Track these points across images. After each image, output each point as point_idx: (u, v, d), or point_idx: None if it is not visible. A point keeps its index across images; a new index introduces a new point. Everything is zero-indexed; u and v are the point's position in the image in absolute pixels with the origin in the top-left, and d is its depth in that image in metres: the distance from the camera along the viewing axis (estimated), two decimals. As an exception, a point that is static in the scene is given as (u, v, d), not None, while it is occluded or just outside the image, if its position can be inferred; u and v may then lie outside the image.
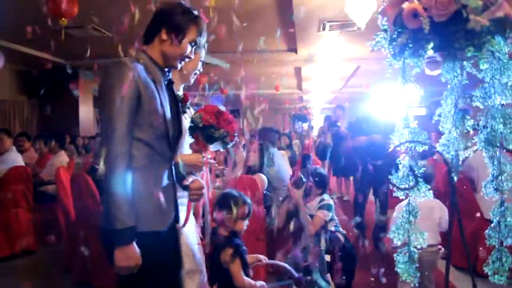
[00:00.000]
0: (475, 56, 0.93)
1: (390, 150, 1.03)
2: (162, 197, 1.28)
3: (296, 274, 2.00)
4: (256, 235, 2.70)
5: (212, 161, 1.68)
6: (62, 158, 4.22)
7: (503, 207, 0.95)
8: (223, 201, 1.83)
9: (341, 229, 2.88)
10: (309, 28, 6.27)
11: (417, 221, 2.48)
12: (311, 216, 2.78)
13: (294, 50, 7.77)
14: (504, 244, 0.94)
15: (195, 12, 1.44)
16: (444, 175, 3.47)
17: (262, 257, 2.08)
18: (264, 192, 2.75)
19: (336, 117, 5.96)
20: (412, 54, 0.90)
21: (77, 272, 3.06)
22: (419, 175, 0.95)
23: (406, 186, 0.95)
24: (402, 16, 0.89)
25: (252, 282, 1.75)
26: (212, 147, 1.63)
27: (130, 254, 1.20)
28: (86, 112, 8.94)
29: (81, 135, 8.29)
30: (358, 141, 3.93)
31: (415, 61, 0.91)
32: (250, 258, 1.95)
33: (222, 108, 2.32)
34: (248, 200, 1.88)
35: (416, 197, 1.00)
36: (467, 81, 0.96)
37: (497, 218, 0.95)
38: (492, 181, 0.96)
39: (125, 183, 1.19)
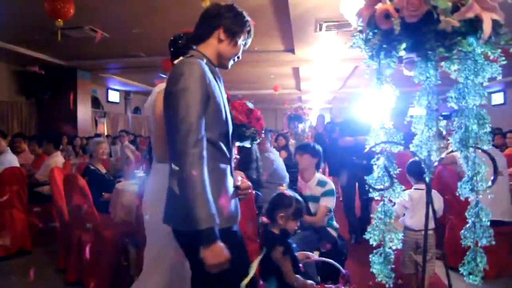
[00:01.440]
0: (448, 57, 0.93)
1: (365, 150, 1.04)
2: (232, 195, 1.33)
3: (344, 271, 2.05)
4: (248, 234, 2.70)
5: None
6: (57, 159, 4.22)
7: (477, 208, 0.95)
8: (278, 201, 1.92)
9: (335, 223, 2.89)
10: (305, 29, 6.28)
11: (417, 209, 2.63)
12: (313, 198, 2.81)
13: (291, 50, 7.79)
14: (479, 244, 0.94)
15: (246, 15, 1.48)
16: (437, 175, 3.47)
17: (310, 254, 2.14)
18: (255, 192, 2.75)
19: (332, 118, 5.97)
20: (385, 55, 0.90)
21: (70, 273, 3.07)
22: (394, 175, 0.95)
23: (382, 187, 0.96)
24: (375, 17, 0.89)
25: (302, 279, 1.80)
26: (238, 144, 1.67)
27: (219, 251, 1.18)
28: (84, 112, 8.96)
29: (79, 135, 8.31)
30: (344, 142, 4.02)
31: (389, 62, 0.91)
32: (299, 255, 2.01)
33: (250, 105, 2.33)
34: (301, 200, 1.94)
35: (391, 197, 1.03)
36: (439, 81, 0.97)
37: (472, 219, 0.95)
38: (468, 181, 0.96)
39: (205, 183, 1.18)
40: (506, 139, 4.97)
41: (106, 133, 10.58)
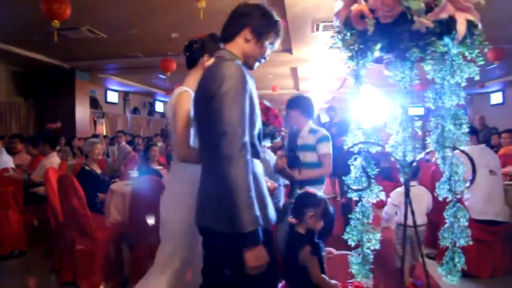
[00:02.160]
0: (423, 58, 0.93)
1: (344, 151, 1.04)
2: (268, 196, 1.32)
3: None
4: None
5: None
6: (53, 159, 4.22)
7: (455, 208, 0.95)
8: (307, 200, 1.92)
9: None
10: (303, 29, 6.28)
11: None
12: (307, 146, 2.74)
13: (289, 50, 7.79)
14: (457, 244, 0.94)
15: (275, 16, 1.45)
16: (431, 175, 3.47)
17: (333, 250, 2.16)
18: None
19: (330, 118, 5.97)
20: (361, 56, 0.90)
21: (65, 273, 3.07)
22: (372, 176, 0.95)
23: (359, 187, 0.96)
24: (351, 17, 0.90)
25: (327, 279, 1.81)
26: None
27: (261, 253, 1.18)
28: (82, 113, 8.97)
29: (77, 136, 8.31)
30: (339, 142, 3.99)
31: (364, 62, 0.91)
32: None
33: (267, 103, 2.35)
34: (326, 200, 1.97)
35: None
36: (418, 81, 0.97)
37: (451, 219, 0.95)
38: (445, 182, 0.97)
39: (251, 186, 1.17)
40: (501, 139, 4.96)
41: (104, 134, 10.59)
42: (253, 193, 1.18)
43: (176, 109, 1.72)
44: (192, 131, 1.67)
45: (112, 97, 12.04)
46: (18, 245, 3.75)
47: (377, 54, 0.89)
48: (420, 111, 18.14)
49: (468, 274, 3.09)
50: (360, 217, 0.93)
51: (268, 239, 1.33)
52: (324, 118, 7.79)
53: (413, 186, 2.66)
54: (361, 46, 0.89)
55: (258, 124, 1.35)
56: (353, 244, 1.03)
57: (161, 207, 1.86)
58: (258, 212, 1.17)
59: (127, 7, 5.30)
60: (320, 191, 2.68)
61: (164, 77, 9.05)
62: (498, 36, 6.66)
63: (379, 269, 2.61)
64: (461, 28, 0.86)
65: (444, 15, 0.85)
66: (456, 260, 0.94)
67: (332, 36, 1.00)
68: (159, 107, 15.26)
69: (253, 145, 1.28)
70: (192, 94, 1.74)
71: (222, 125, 1.18)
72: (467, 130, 0.95)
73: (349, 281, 1.98)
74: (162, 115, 15.71)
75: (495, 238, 3.09)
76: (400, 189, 2.73)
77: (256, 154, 1.31)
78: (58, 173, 3.57)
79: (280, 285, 1.87)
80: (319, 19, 5.81)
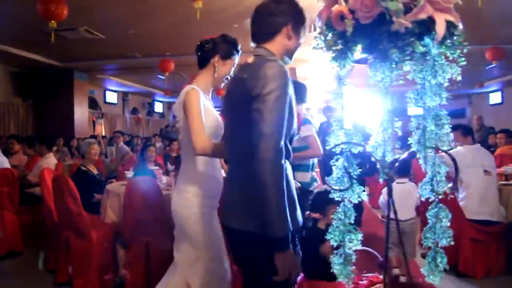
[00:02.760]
0: (409, 58, 0.94)
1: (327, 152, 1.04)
2: (296, 199, 1.31)
3: (380, 258, 2.09)
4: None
5: None
6: (50, 160, 4.23)
7: (437, 208, 0.95)
8: (327, 197, 1.92)
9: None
10: (300, 29, 6.29)
11: (400, 201, 2.77)
12: None
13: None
14: (440, 245, 0.94)
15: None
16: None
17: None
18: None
19: (328, 118, 5.98)
20: (341, 56, 0.91)
21: (60, 273, 3.08)
22: (354, 176, 0.95)
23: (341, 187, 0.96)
24: (331, 18, 0.90)
25: None
26: None
27: (291, 257, 1.19)
28: (81, 113, 8.97)
29: (76, 136, 8.32)
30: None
31: (344, 63, 0.92)
32: None
33: None
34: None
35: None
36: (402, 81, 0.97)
37: (433, 219, 0.95)
38: (428, 182, 0.97)
39: (284, 191, 1.16)
40: (496, 139, 4.96)
41: (103, 134, 10.59)
42: (285, 199, 1.17)
43: (187, 106, 1.72)
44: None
45: (111, 97, 12.05)
46: (14, 245, 3.75)
47: (357, 54, 0.90)
48: (420, 111, 18.10)
49: (464, 274, 3.10)
50: (342, 217, 0.94)
51: (295, 241, 1.33)
52: (322, 118, 7.79)
53: (403, 182, 2.92)
54: (342, 47, 0.90)
55: (294, 126, 1.33)
56: (335, 244, 1.04)
57: (174, 209, 1.84)
58: (289, 217, 1.17)
59: (124, 7, 5.30)
60: (306, 178, 2.71)
61: (163, 77, 9.07)
62: (496, 36, 6.67)
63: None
64: (440, 28, 0.86)
65: (423, 16, 0.85)
66: (439, 260, 0.94)
67: (315, 37, 1.00)
68: (158, 107, 15.27)
69: (286, 147, 1.26)
70: (201, 92, 1.78)
71: (263, 127, 1.16)
72: (449, 130, 0.95)
73: (364, 275, 2.01)
74: (161, 115, 15.72)
75: (490, 238, 3.09)
76: (394, 185, 2.80)
77: (288, 156, 1.29)
78: (54, 173, 3.57)
79: (298, 278, 1.89)
80: (314, 19, 5.82)
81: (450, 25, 0.90)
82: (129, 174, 3.69)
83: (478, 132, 7.50)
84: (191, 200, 1.76)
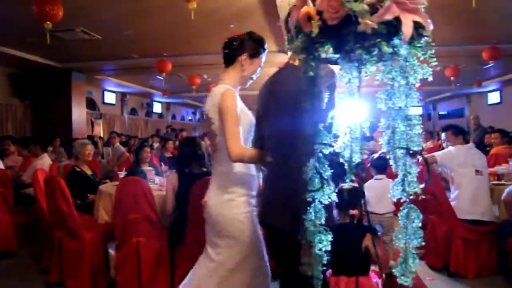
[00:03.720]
0: (380, 60, 0.94)
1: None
2: None
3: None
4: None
5: None
6: (44, 160, 4.24)
7: (407, 209, 0.95)
8: (360, 192, 2.01)
9: None
10: (296, 29, 6.29)
11: (378, 196, 3.02)
12: None
13: (285, 51, 7.81)
14: (411, 245, 0.94)
15: None
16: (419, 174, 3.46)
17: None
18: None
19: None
20: (308, 57, 0.91)
21: (53, 274, 3.08)
22: (325, 177, 0.95)
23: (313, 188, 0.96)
24: (299, 19, 0.91)
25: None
26: None
27: None
28: (79, 114, 8.99)
29: (74, 137, 8.33)
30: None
31: (314, 63, 0.92)
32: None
33: None
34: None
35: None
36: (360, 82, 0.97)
37: (404, 220, 0.96)
38: (399, 182, 0.97)
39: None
40: (491, 139, 4.96)
41: (101, 135, 10.61)
42: None
43: (224, 109, 1.67)
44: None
45: (110, 98, 12.07)
46: (8, 246, 3.76)
47: (324, 55, 0.90)
48: (419, 110, 18.22)
49: (455, 274, 3.10)
50: (313, 218, 0.94)
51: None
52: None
53: (380, 179, 3.15)
54: (310, 48, 0.90)
55: None
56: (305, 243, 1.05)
57: (218, 213, 1.80)
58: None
59: (120, 8, 5.31)
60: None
61: (162, 78, 9.08)
62: (492, 35, 6.67)
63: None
64: (406, 29, 0.86)
65: (389, 17, 0.85)
66: (410, 261, 0.95)
67: (287, 39, 1.01)
68: (157, 108, 15.28)
69: None
70: (236, 92, 1.76)
71: (310, 123, 1.18)
72: (420, 131, 0.95)
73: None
74: (160, 115, 15.74)
75: (481, 237, 3.09)
76: (373, 181, 3.19)
77: None
78: (47, 174, 3.58)
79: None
80: (311, 19, 5.82)
81: (418, 26, 0.90)
82: (121, 174, 3.70)
83: (475, 131, 7.50)
84: (237, 201, 1.74)
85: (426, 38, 0.89)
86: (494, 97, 12.30)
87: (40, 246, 3.63)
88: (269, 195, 1.42)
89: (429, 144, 6.64)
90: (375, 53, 0.85)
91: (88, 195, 3.68)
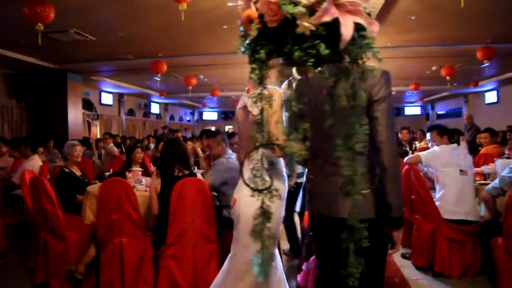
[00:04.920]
0: (329, 61, 0.95)
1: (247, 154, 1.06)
2: None
3: None
4: (207, 235, 2.73)
5: None
6: (34, 162, 4.26)
7: (354, 209, 0.96)
8: None
9: None
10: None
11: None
12: None
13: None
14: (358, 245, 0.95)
15: None
16: (404, 174, 3.46)
17: None
18: (213, 193, 2.77)
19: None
20: (252, 59, 0.92)
21: (38, 274, 3.10)
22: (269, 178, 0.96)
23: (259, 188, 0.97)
24: (242, 22, 0.92)
25: None
26: None
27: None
28: (75, 115, 9.00)
29: (70, 138, 8.35)
30: None
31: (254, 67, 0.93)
32: None
33: None
34: None
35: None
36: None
37: (350, 221, 0.97)
38: (348, 183, 0.98)
39: None
40: (481, 138, 4.95)
41: (98, 136, 10.63)
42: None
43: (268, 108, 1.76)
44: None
45: (107, 99, 12.09)
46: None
47: (264, 57, 0.91)
48: (417, 110, 18.17)
49: (440, 274, 3.10)
50: (261, 219, 0.95)
51: None
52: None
53: None
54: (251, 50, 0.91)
55: None
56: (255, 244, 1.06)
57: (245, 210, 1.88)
58: None
59: (112, 10, 5.33)
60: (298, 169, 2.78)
61: (159, 78, 9.10)
62: (486, 35, 6.66)
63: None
64: (345, 31, 0.87)
65: (327, 18, 0.86)
66: (357, 262, 0.95)
67: (240, 42, 1.02)
68: (154, 108, 15.31)
69: None
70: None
71: (390, 123, 1.41)
72: (367, 131, 0.96)
73: None
74: (158, 116, 15.77)
75: (466, 237, 3.09)
76: None
77: None
78: (34, 175, 3.60)
79: None
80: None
81: (360, 28, 0.91)
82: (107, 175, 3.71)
83: (468, 131, 7.49)
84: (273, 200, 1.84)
85: (367, 39, 0.90)
86: (491, 97, 12.28)
87: (29, 247, 3.65)
88: (335, 189, 1.50)
89: (423, 144, 6.62)
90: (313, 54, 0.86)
91: (77, 195, 3.69)
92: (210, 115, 20.15)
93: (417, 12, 5.60)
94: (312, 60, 0.86)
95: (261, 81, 0.98)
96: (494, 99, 12.10)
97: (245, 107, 1.94)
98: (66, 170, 3.85)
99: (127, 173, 3.78)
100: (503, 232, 2.62)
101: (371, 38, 0.91)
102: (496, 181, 2.80)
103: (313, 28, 0.85)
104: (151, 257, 2.84)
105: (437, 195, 3.22)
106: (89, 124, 11.26)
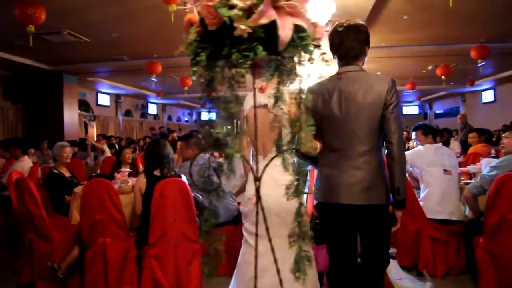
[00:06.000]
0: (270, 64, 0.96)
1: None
2: None
3: None
4: (188, 235, 2.74)
5: None
6: (24, 163, 4.28)
7: (299, 210, 0.97)
8: None
9: None
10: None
11: None
12: None
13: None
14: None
15: None
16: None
17: None
18: (194, 194, 2.78)
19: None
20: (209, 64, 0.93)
21: (24, 274, 3.12)
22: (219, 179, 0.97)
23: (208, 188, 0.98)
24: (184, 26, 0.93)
25: None
26: None
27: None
28: (71, 117, 9.03)
29: (66, 139, 8.37)
30: None
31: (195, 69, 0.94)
32: None
33: None
34: None
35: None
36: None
37: (296, 222, 0.97)
38: (292, 186, 0.99)
39: None
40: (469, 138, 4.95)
41: (95, 137, 10.65)
42: None
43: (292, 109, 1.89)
44: None
45: (104, 99, 12.12)
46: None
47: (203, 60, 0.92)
48: (415, 110, 18.14)
49: (422, 273, 3.10)
50: (208, 218, 0.96)
51: None
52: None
53: None
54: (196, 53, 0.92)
55: None
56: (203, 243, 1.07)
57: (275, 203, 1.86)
58: None
59: (105, 11, 5.35)
60: None
61: (155, 79, 9.12)
62: (479, 34, 6.66)
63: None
64: (282, 33, 0.88)
65: (264, 21, 0.86)
66: (305, 262, 0.96)
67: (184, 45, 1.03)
68: (152, 109, 15.33)
69: None
70: None
71: (399, 126, 1.76)
72: (313, 133, 0.97)
73: None
74: (155, 117, 15.79)
75: (450, 237, 3.10)
76: None
77: None
78: (21, 176, 3.61)
79: None
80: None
81: (299, 29, 0.92)
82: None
83: (462, 131, 7.48)
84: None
85: (306, 40, 0.91)
86: (488, 96, 12.27)
87: (17, 247, 3.67)
88: (361, 180, 1.73)
89: (411, 143, 6.62)
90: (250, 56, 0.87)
91: (66, 196, 3.71)
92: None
93: (408, 11, 5.61)
94: (249, 62, 0.86)
95: (209, 83, 0.99)
96: (491, 98, 12.09)
97: (259, 107, 1.89)
98: (55, 171, 3.87)
99: (115, 174, 3.79)
100: (484, 231, 2.62)
101: (310, 39, 0.92)
102: (477, 179, 2.81)
103: (249, 30, 0.86)
104: (135, 257, 2.86)
105: (422, 194, 3.22)
106: (86, 125, 11.28)
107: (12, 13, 4.83)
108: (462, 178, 3.51)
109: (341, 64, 1.86)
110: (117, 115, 12.88)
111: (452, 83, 11.15)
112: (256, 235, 1.06)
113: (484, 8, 5.46)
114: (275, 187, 1.71)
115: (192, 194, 2.72)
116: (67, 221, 3.39)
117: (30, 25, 4.60)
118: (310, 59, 0.99)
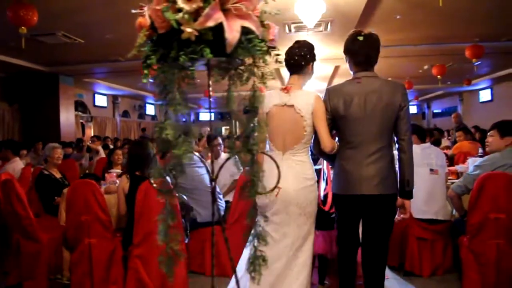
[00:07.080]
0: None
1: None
2: None
3: None
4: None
5: None
6: (15, 164, 4.29)
7: (252, 210, 0.98)
8: None
9: None
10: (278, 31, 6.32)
11: None
12: None
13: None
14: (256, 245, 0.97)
15: None
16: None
17: None
18: (178, 194, 2.78)
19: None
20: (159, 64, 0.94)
21: (11, 275, 3.13)
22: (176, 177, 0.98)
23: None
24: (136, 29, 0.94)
25: None
26: None
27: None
28: (67, 118, 9.05)
29: (62, 140, 8.38)
30: None
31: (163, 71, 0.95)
32: None
33: None
34: None
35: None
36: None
37: (249, 222, 0.98)
38: (252, 185, 0.99)
39: None
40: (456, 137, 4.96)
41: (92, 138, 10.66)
42: None
43: (319, 112, 2.05)
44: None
45: (101, 100, 12.14)
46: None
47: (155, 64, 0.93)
48: (413, 109, 18.09)
49: (410, 273, 3.11)
50: (165, 217, 0.97)
51: None
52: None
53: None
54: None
55: None
56: (160, 243, 1.08)
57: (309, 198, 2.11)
58: None
59: (99, 12, 5.37)
60: None
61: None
62: (473, 33, 6.66)
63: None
64: (229, 35, 0.89)
65: (211, 24, 0.87)
66: (257, 262, 0.97)
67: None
68: (150, 110, 15.35)
69: None
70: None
71: (408, 125, 2.02)
72: (266, 134, 0.98)
73: None
74: (153, 117, 15.81)
75: (436, 236, 3.10)
76: None
77: None
78: (10, 177, 3.62)
79: None
80: (287, 20, 5.87)
81: (247, 31, 0.93)
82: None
83: (456, 130, 7.47)
84: (314, 186, 2.14)
85: (254, 42, 0.92)
86: (485, 95, 12.25)
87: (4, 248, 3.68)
88: (378, 173, 1.96)
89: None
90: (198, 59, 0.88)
91: (56, 197, 3.72)
92: (207, 116, 20.19)
93: (401, 11, 5.61)
94: (195, 64, 0.87)
95: (167, 85, 1.00)
96: (488, 98, 12.08)
97: (283, 105, 2.08)
98: (46, 172, 3.89)
99: (106, 175, 3.82)
100: (467, 230, 2.63)
101: (259, 41, 0.93)
102: (461, 179, 2.81)
103: (196, 33, 0.87)
104: (121, 258, 2.87)
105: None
106: (83, 126, 11.31)
107: (5, 15, 4.86)
108: (450, 178, 3.51)
109: (358, 70, 2.06)
110: (114, 116, 12.90)
111: (449, 83, 11.14)
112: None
113: (476, 7, 5.45)
114: (295, 180, 2.03)
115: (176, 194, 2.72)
116: (56, 221, 3.40)
117: (23, 27, 4.61)
118: (263, 61, 1.00)
